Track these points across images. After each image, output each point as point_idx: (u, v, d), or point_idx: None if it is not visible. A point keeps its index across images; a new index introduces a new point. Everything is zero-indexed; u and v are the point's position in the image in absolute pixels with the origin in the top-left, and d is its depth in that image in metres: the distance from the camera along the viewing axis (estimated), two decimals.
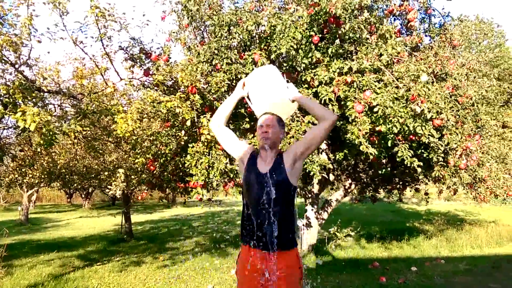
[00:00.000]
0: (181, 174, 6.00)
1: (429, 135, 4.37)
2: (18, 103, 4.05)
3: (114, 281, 6.10)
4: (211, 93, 4.93)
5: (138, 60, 5.01)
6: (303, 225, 7.74)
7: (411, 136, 4.55)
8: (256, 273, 2.19)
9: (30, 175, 7.96)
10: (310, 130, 2.46)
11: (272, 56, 4.82)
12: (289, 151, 2.37)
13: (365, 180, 8.35)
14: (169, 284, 5.93)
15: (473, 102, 5.62)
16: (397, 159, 4.71)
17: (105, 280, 6.15)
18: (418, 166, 4.44)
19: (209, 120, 4.60)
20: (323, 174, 5.11)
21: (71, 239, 10.87)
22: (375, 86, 4.44)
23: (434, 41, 6.37)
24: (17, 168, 7.75)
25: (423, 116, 4.27)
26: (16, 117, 3.77)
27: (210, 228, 13.13)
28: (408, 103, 4.32)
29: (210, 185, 4.99)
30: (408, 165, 4.56)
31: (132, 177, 7.77)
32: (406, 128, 4.30)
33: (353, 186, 8.17)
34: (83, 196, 23.94)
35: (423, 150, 5.19)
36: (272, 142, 2.39)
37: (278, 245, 2.17)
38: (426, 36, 6.53)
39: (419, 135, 4.30)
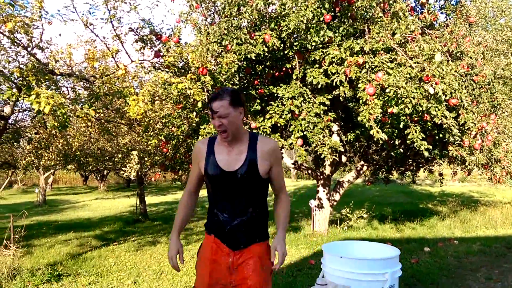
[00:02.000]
0: None
1: (442, 116, 4.30)
2: (31, 86, 4.11)
3: (130, 260, 6.25)
4: (221, 74, 4.92)
5: (148, 42, 5.01)
6: (315, 206, 7.76)
7: (425, 116, 4.48)
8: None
9: (46, 158, 8.12)
10: (275, 182, 2.12)
11: (283, 35, 4.76)
12: (264, 158, 2.02)
13: (377, 161, 8.30)
14: (184, 263, 6.04)
15: (489, 81, 5.50)
16: (407, 141, 4.67)
17: (121, 259, 6.30)
18: (427, 149, 4.39)
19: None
20: (334, 157, 5.09)
21: (87, 220, 11.12)
22: (387, 66, 4.36)
23: (449, 18, 6.21)
24: (33, 151, 7.90)
25: (437, 97, 4.20)
26: (30, 100, 3.82)
27: None
28: (422, 83, 4.24)
29: None
30: (418, 148, 4.51)
31: (146, 159, 7.86)
32: (420, 109, 4.23)
33: (365, 167, 8.14)
34: (98, 178, 24.36)
35: (437, 131, 5.12)
36: (234, 130, 1.97)
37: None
38: (441, 13, 6.37)
39: (433, 115, 4.24)
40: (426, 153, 4.44)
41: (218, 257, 2.03)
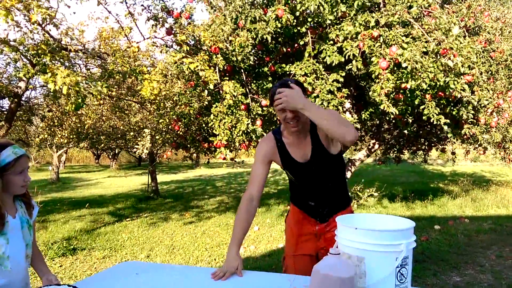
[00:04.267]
0: (204, 134, 6.07)
1: (461, 89, 4.22)
2: (46, 63, 4.13)
3: (143, 235, 6.38)
4: (234, 54, 4.86)
5: (160, 20, 4.96)
6: None
7: (440, 93, 4.41)
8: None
9: (59, 135, 8.22)
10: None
11: (297, 12, 4.67)
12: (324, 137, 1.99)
13: (389, 140, 8.24)
14: (195, 238, 6.15)
15: (507, 57, 5.37)
16: (423, 118, 4.60)
17: (134, 234, 6.44)
18: (445, 124, 4.33)
19: (229, 86, 4.57)
20: None
21: (100, 197, 11.32)
22: (402, 40, 4.27)
23: None
24: (46, 128, 8.00)
25: (455, 70, 4.11)
26: (45, 78, 3.84)
27: (234, 188, 13.39)
28: (439, 57, 4.15)
29: (233, 145, 5.04)
30: (435, 123, 4.45)
31: (157, 137, 7.92)
32: (438, 84, 4.15)
33: (376, 146, 8.09)
34: (110, 157, 24.66)
35: (452, 107, 5.05)
36: (301, 125, 1.94)
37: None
38: None
39: (451, 89, 4.15)
40: (445, 127, 4.37)
41: (304, 226, 2.13)
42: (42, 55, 3.95)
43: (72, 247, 5.54)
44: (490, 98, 4.90)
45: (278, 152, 2.06)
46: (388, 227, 1.58)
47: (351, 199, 2.23)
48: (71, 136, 8.55)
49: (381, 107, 4.38)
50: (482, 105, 4.95)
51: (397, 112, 4.46)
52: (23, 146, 10.62)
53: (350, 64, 4.57)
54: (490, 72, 5.31)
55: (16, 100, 5.45)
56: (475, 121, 5.13)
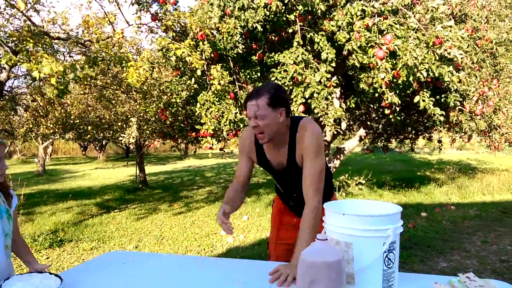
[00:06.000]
0: (192, 123, 6.01)
1: (458, 81, 4.22)
2: (29, 50, 4.01)
3: (132, 226, 6.34)
4: (223, 42, 4.79)
5: (145, 4, 4.86)
6: None
7: (428, 79, 4.41)
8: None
9: (44, 126, 8.07)
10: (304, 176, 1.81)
11: None
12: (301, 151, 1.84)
13: (377, 129, 8.28)
14: (184, 229, 6.13)
15: (493, 45, 5.41)
16: (416, 108, 4.60)
17: (122, 226, 6.39)
18: (441, 115, 4.33)
19: (218, 71, 4.51)
20: (338, 129, 5.01)
21: (88, 188, 11.20)
22: (396, 28, 4.25)
23: None
24: (31, 119, 7.85)
25: (453, 62, 4.12)
26: (29, 66, 3.73)
27: (223, 178, 13.37)
28: (435, 47, 4.14)
29: (220, 134, 5.00)
30: (431, 115, 4.44)
31: (145, 127, 7.83)
32: (432, 75, 4.14)
33: (364, 135, 8.12)
34: (97, 148, 24.39)
35: (439, 95, 5.07)
36: (271, 134, 1.78)
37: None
38: None
39: (447, 82, 4.15)
40: (441, 118, 4.36)
41: (285, 215, 2.18)
42: (25, 42, 3.84)
43: (59, 239, 5.47)
44: (477, 85, 4.93)
45: (255, 149, 1.95)
46: (375, 213, 1.57)
47: (334, 190, 2.18)
48: (57, 127, 8.40)
49: (384, 97, 4.37)
50: (468, 92, 4.99)
51: (399, 102, 4.45)
52: (8, 136, 10.42)
53: (352, 58, 4.52)
54: (476, 60, 5.34)
55: None
56: (462, 108, 5.17)
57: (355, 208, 1.66)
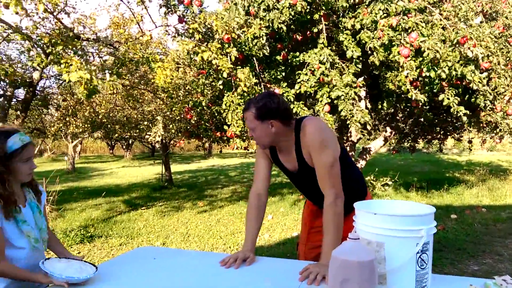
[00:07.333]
0: (217, 123, 6.06)
1: (479, 82, 4.12)
2: (60, 53, 4.14)
3: (158, 223, 6.44)
4: (248, 44, 4.80)
5: (172, 7, 4.93)
6: None
7: (457, 81, 4.31)
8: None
9: (74, 125, 8.30)
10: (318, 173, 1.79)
11: None
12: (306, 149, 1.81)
13: (403, 129, 8.13)
14: (209, 227, 6.19)
15: None
16: (444, 107, 4.51)
17: (149, 223, 6.51)
18: (465, 114, 4.23)
19: (243, 73, 4.53)
20: (363, 132, 4.95)
21: (116, 186, 11.46)
22: (422, 27, 4.17)
23: None
24: (61, 118, 8.09)
25: (475, 61, 4.01)
26: (59, 69, 3.85)
27: (246, 177, 13.41)
28: (458, 46, 4.04)
29: (246, 134, 5.01)
30: (454, 113, 4.35)
31: (170, 126, 7.95)
32: (454, 73, 4.05)
33: (391, 135, 7.99)
34: (124, 147, 24.89)
35: (469, 96, 4.94)
36: (266, 144, 1.84)
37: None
38: None
39: (468, 80, 4.06)
40: (464, 118, 4.27)
41: (316, 218, 2.08)
42: (55, 44, 3.96)
43: (89, 234, 5.62)
44: (507, 85, 4.78)
45: (269, 152, 1.97)
46: (406, 213, 1.55)
47: (367, 189, 2.11)
48: (85, 126, 8.63)
49: (409, 95, 4.30)
50: (499, 92, 4.84)
51: (425, 100, 4.37)
52: (39, 135, 10.77)
53: (372, 56, 4.47)
54: (508, 58, 5.17)
55: (31, 89, 5.50)
56: (493, 108, 5.02)
57: (385, 208, 1.64)
